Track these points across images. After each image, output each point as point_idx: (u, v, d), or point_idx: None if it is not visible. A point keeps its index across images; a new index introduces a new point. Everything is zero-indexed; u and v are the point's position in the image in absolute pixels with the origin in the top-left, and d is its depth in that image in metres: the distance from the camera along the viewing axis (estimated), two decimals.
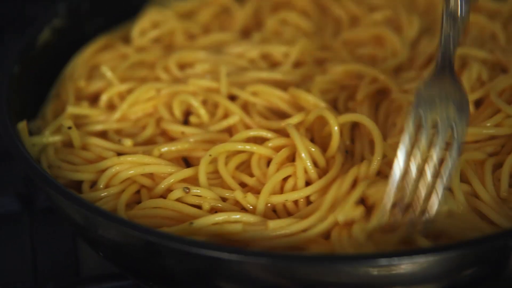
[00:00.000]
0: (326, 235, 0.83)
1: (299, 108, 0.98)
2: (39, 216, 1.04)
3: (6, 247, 1.02)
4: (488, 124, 0.91)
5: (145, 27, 1.13)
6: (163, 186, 0.90)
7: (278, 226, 0.83)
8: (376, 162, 0.87)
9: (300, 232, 0.83)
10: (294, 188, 0.89)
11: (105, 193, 0.90)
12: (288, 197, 0.88)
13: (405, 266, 0.74)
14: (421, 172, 0.80)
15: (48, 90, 1.08)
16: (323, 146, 0.92)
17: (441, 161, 0.80)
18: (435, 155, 0.80)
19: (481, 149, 0.90)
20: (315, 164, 0.90)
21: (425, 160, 0.80)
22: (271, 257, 0.76)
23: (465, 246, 0.75)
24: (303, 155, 0.89)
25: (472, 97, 0.95)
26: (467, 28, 1.08)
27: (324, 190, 0.87)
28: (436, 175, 0.80)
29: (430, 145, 0.80)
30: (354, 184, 0.86)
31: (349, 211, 0.82)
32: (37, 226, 1.03)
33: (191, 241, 0.77)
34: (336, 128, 0.91)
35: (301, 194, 0.88)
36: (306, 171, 0.89)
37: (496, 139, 0.91)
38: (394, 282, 0.76)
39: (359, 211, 0.82)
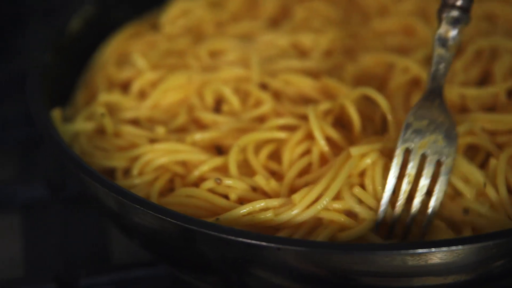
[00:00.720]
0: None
1: (331, 97, 0.98)
2: (69, 204, 1.04)
3: (36, 234, 1.02)
4: None
5: (175, 14, 1.13)
6: (196, 173, 0.90)
7: (303, 195, 0.83)
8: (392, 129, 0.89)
9: (323, 191, 0.83)
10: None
11: (139, 181, 0.90)
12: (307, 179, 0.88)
13: (441, 255, 0.74)
14: (410, 200, 0.83)
15: (77, 78, 1.08)
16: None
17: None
18: (423, 184, 0.83)
19: None
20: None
21: (414, 188, 0.83)
22: (309, 245, 0.76)
23: (502, 236, 0.75)
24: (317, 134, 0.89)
25: (504, 85, 0.95)
26: (495, 21, 1.08)
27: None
28: (424, 203, 0.83)
29: (420, 174, 0.83)
30: None
31: (363, 149, 0.84)
32: (67, 213, 1.03)
33: (230, 229, 0.77)
34: (349, 102, 0.92)
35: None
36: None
37: None
38: (429, 271, 0.76)
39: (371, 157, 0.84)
